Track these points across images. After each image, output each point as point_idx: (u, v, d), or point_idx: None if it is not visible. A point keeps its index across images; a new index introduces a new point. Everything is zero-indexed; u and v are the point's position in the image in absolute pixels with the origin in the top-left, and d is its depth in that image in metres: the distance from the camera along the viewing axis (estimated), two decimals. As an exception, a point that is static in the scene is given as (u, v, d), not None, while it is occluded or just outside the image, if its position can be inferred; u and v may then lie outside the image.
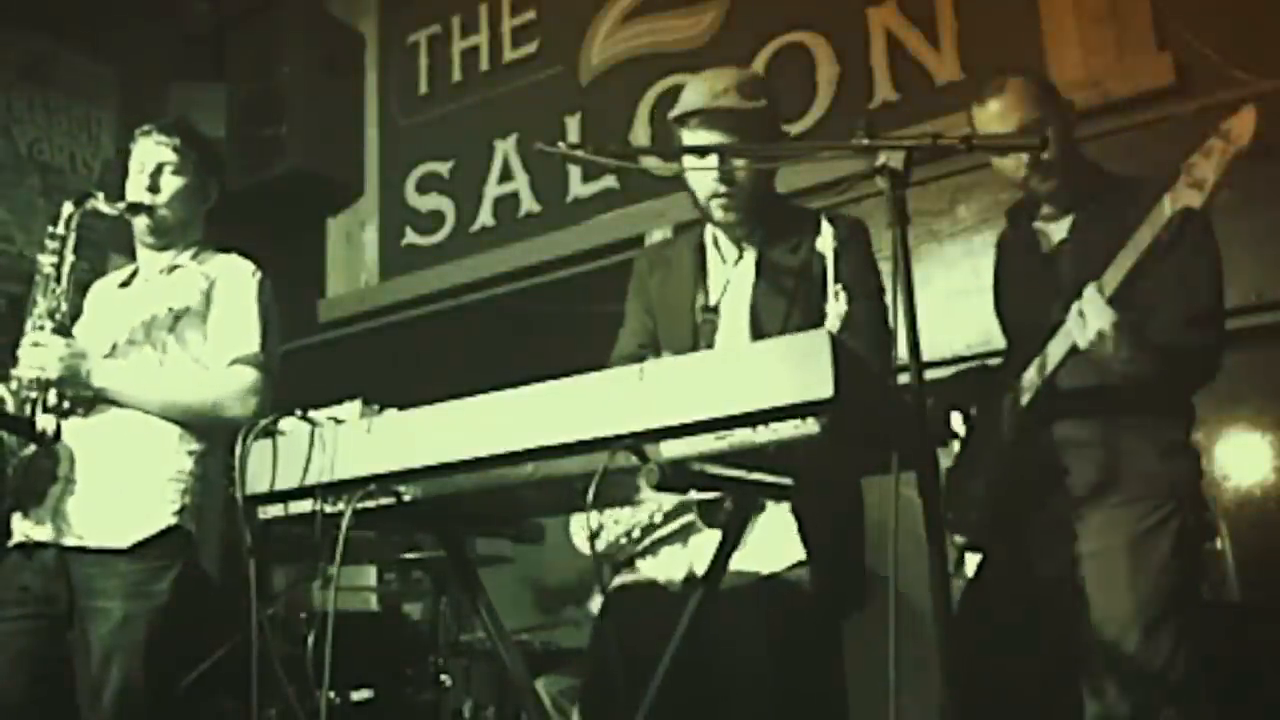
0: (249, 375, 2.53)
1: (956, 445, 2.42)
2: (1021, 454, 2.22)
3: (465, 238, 4.89)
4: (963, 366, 2.64)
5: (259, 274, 2.68)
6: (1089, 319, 2.00)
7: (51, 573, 2.41)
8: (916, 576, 1.52)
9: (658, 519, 2.11)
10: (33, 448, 2.44)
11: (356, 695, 3.84)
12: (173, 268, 2.67)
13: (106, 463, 2.45)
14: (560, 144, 1.99)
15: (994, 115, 2.26)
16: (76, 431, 2.48)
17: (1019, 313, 2.40)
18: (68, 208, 2.59)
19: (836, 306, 1.66)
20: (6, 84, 4.75)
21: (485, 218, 4.85)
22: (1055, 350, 2.14)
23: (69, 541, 2.40)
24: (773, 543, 2.07)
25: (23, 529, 2.45)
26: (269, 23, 5.08)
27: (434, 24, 5.18)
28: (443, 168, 5.03)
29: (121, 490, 2.43)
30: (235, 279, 2.64)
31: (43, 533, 2.42)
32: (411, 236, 5.07)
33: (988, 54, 3.66)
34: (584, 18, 4.70)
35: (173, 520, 2.43)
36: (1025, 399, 2.20)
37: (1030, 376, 2.19)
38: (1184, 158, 1.98)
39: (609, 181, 4.49)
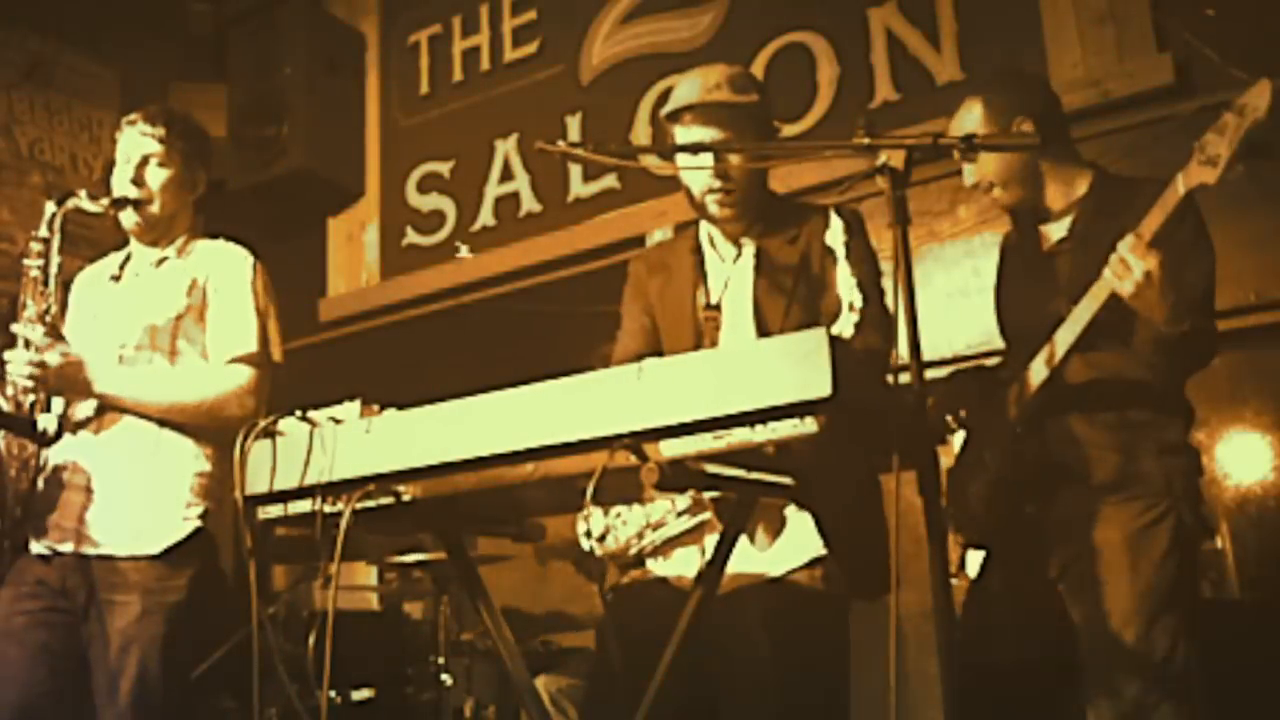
0: (246, 374, 2.51)
1: (958, 445, 2.42)
2: (1026, 448, 2.22)
3: (466, 237, 4.89)
4: (961, 366, 2.64)
5: (251, 261, 2.63)
6: (1133, 263, 1.98)
7: (69, 568, 2.40)
8: (920, 575, 1.52)
9: (670, 518, 2.11)
10: (43, 462, 2.44)
11: (357, 695, 3.84)
12: (161, 260, 2.63)
13: (126, 472, 2.44)
14: (560, 142, 1.99)
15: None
16: (91, 443, 2.47)
17: (1018, 312, 2.40)
18: (50, 208, 2.54)
19: (852, 298, 1.66)
20: (8, 84, 4.76)
21: (486, 217, 4.85)
22: (1064, 337, 2.13)
23: (97, 553, 2.39)
24: (785, 543, 2.07)
25: (45, 545, 2.43)
26: (269, 23, 5.08)
27: (435, 24, 5.19)
28: (443, 167, 5.03)
29: (145, 498, 2.42)
30: (228, 273, 2.60)
31: (67, 547, 2.41)
32: (412, 236, 5.07)
33: (988, 54, 3.66)
34: (584, 18, 4.70)
35: (198, 523, 2.43)
36: (1033, 390, 2.19)
37: (1038, 366, 2.19)
38: (1184, 156, 1.98)
39: (610, 181, 4.50)
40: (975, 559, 2.42)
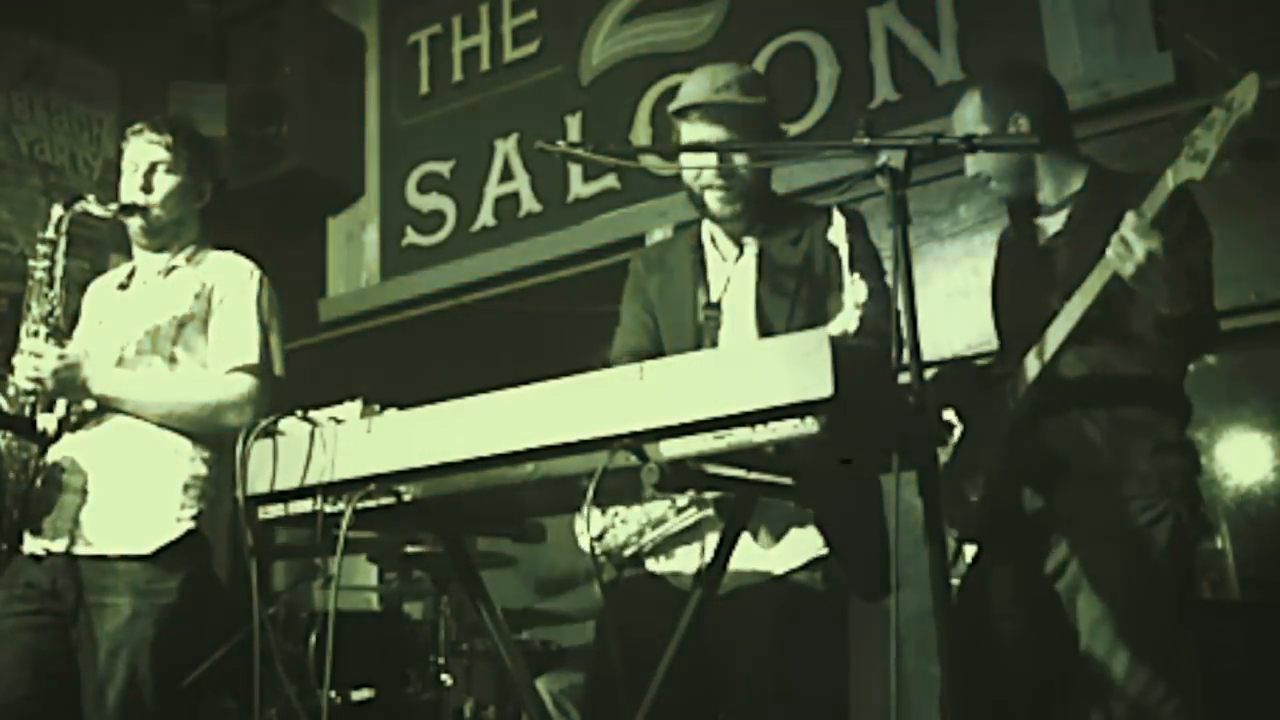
0: (246, 384, 2.51)
1: (953, 439, 2.41)
2: (1022, 444, 2.21)
3: (466, 238, 4.89)
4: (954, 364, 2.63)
5: (258, 274, 2.65)
6: (1135, 243, 1.96)
7: (60, 570, 2.40)
8: (920, 576, 1.52)
9: (670, 515, 2.11)
10: (42, 462, 2.44)
11: (357, 695, 3.84)
12: (170, 269, 2.65)
13: (121, 472, 2.44)
14: (560, 142, 2.00)
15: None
16: (88, 442, 2.47)
17: (1014, 307, 2.39)
18: (57, 211, 2.57)
19: (856, 296, 1.66)
20: (8, 84, 4.76)
21: (486, 217, 4.85)
22: (1057, 332, 2.12)
23: (89, 552, 2.39)
24: (786, 543, 2.07)
25: (39, 544, 2.43)
26: (269, 23, 5.08)
27: (435, 24, 5.19)
28: (443, 167, 5.03)
29: (139, 498, 2.42)
30: (234, 284, 2.61)
31: (60, 545, 2.41)
32: (412, 236, 5.07)
33: (988, 54, 3.66)
34: (584, 18, 4.70)
35: (192, 525, 2.42)
36: (1024, 388, 2.19)
37: (1030, 363, 2.19)
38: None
39: (609, 181, 4.50)
40: (970, 554, 2.41)
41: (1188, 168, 1.93)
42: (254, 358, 2.54)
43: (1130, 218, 1.97)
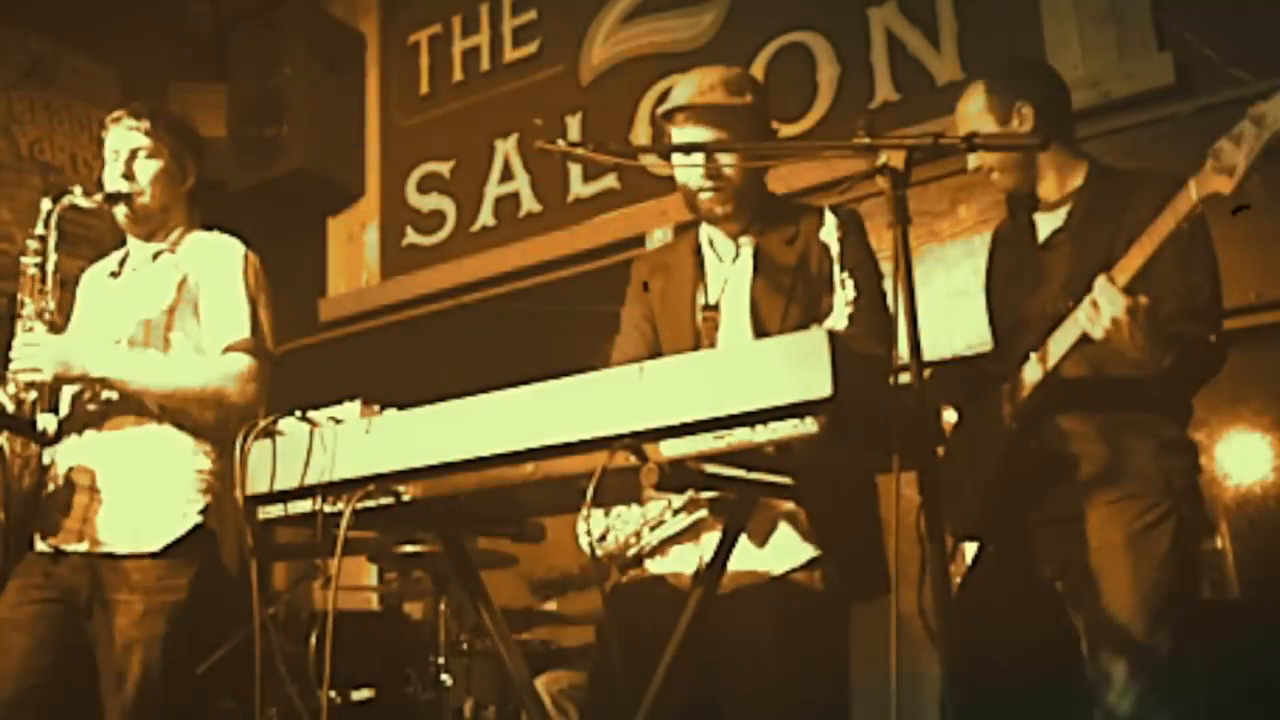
0: (244, 362, 2.51)
1: (948, 437, 2.41)
2: (1021, 447, 2.21)
3: (466, 237, 4.89)
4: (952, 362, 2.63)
5: (241, 250, 2.64)
6: (1103, 308, 1.96)
7: (75, 566, 2.42)
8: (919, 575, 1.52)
9: (667, 516, 2.12)
10: (46, 463, 2.45)
11: (357, 695, 3.84)
12: (157, 254, 2.65)
13: (128, 471, 2.45)
14: (560, 141, 1.99)
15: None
16: (95, 443, 2.48)
17: (1012, 305, 2.38)
18: (46, 205, 2.57)
19: (845, 295, 1.65)
20: (8, 84, 4.76)
21: (486, 217, 4.85)
22: (1058, 342, 2.11)
23: (100, 551, 2.40)
24: (785, 543, 2.07)
25: (51, 544, 2.44)
26: (269, 23, 5.09)
27: (435, 24, 5.19)
28: (443, 168, 5.04)
29: (146, 496, 2.43)
30: (219, 264, 2.61)
31: (72, 545, 2.42)
32: (412, 236, 5.08)
33: (988, 54, 3.66)
34: (584, 18, 4.71)
35: (198, 519, 2.43)
36: (1026, 391, 2.19)
37: (1031, 369, 2.18)
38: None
39: (610, 181, 4.50)
40: (968, 551, 2.41)
41: (1214, 180, 1.89)
42: (246, 333, 2.54)
43: (1100, 282, 1.96)
